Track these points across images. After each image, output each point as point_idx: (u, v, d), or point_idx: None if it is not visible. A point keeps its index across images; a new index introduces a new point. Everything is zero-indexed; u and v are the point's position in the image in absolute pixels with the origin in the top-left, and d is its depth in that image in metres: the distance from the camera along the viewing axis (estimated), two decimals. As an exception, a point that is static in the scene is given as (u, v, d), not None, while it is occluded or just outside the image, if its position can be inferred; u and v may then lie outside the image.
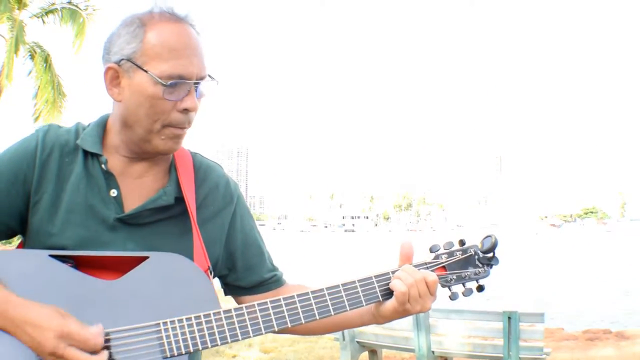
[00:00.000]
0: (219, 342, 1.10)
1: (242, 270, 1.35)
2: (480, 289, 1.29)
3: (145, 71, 1.14)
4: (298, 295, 1.16)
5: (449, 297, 1.28)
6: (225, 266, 1.35)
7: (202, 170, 1.33)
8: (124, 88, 1.18)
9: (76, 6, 15.26)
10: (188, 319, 1.10)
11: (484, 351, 5.00)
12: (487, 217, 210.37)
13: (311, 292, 1.18)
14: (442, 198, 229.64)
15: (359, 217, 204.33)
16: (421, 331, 5.06)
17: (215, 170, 1.36)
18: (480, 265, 1.29)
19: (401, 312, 1.22)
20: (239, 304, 1.21)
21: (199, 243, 1.23)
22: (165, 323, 1.09)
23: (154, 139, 1.19)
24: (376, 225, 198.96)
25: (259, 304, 1.14)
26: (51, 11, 15.21)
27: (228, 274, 1.36)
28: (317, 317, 1.16)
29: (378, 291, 1.21)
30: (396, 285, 1.20)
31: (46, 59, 15.34)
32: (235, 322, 1.12)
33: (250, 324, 1.12)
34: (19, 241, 1.27)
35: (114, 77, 1.18)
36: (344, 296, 1.18)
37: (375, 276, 1.22)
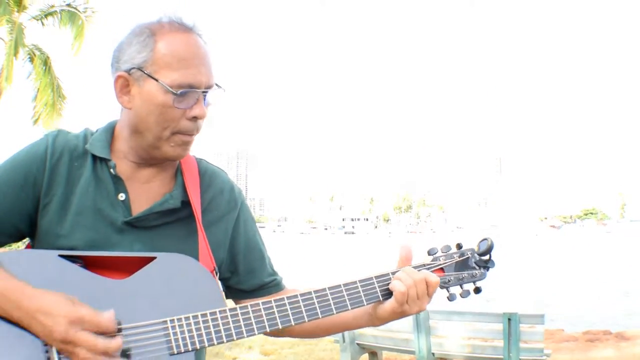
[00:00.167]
0: (224, 339, 1.13)
1: (244, 274, 1.39)
2: (478, 290, 1.32)
3: (156, 80, 1.18)
4: (301, 295, 1.20)
5: (447, 297, 1.31)
6: (228, 269, 1.38)
7: (207, 176, 1.36)
8: (134, 96, 1.21)
9: (75, 8, 15.24)
10: (195, 317, 1.13)
11: (484, 353, 5.01)
12: (487, 218, 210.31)
13: (314, 291, 1.21)
14: (442, 200, 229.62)
15: (358, 219, 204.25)
16: (421, 333, 5.07)
17: (220, 176, 1.39)
18: (477, 268, 1.33)
19: (399, 313, 1.25)
20: None
21: (204, 244, 1.27)
22: (172, 320, 1.12)
23: (163, 145, 1.23)
24: (376, 227, 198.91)
25: (263, 303, 1.18)
26: (50, 13, 15.19)
27: (230, 277, 1.40)
28: (320, 316, 1.20)
29: (379, 291, 1.25)
30: (396, 285, 1.23)
31: (45, 62, 15.33)
32: (241, 320, 1.15)
33: (254, 322, 1.16)
34: (27, 243, 1.29)
35: (124, 85, 1.22)
36: (345, 295, 1.22)
37: (376, 277, 1.25)
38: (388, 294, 1.25)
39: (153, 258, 1.17)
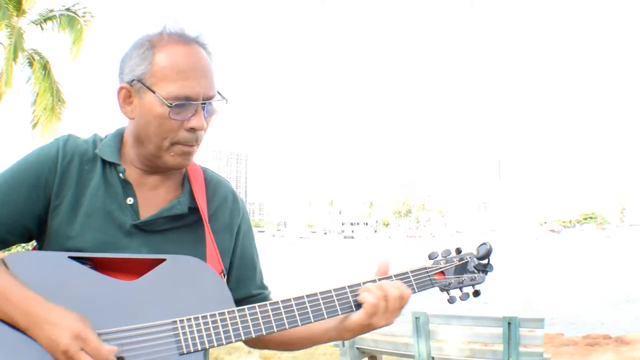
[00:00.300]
0: (233, 339, 1.16)
1: (234, 283, 1.40)
2: (477, 293, 1.35)
3: (154, 92, 1.20)
4: (307, 296, 1.22)
5: (448, 300, 1.34)
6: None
7: (213, 185, 1.39)
8: (136, 107, 1.24)
9: (74, 13, 15.25)
10: (204, 317, 1.16)
11: (484, 357, 5.00)
12: (486, 222, 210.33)
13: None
14: (441, 204, 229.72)
15: (358, 224, 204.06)
16: (421, 337, 5.06)
17: (224, 185, 1.42)
18: (476, 272, 1.35)
19: (366, 327, 1.24)
20: None
21: (212, 248, 1.29)
22: (182, 321, 1.15)
23: (163, 155, 1.25)
24: (375, 231, 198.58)
25: (270, 304, 1.20)
26: (49, 18, 15.19)
27: None
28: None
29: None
30: (366, 297, 1.22)
31: (45, 66, 15.33)
32: (249, 320, 1.18)
33: (262, 322, 1.18)
34: (33, 246, 1.31)
35: (126, 96, 1.25)
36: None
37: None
38: (359, 305, 1.24)
39: (162, 260, 1.19)
